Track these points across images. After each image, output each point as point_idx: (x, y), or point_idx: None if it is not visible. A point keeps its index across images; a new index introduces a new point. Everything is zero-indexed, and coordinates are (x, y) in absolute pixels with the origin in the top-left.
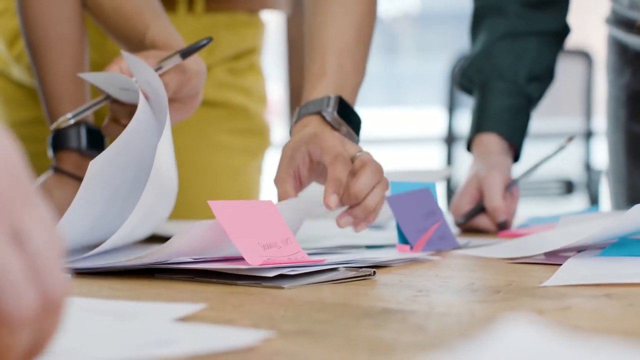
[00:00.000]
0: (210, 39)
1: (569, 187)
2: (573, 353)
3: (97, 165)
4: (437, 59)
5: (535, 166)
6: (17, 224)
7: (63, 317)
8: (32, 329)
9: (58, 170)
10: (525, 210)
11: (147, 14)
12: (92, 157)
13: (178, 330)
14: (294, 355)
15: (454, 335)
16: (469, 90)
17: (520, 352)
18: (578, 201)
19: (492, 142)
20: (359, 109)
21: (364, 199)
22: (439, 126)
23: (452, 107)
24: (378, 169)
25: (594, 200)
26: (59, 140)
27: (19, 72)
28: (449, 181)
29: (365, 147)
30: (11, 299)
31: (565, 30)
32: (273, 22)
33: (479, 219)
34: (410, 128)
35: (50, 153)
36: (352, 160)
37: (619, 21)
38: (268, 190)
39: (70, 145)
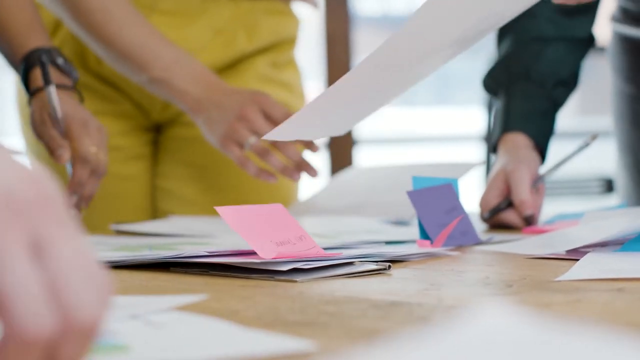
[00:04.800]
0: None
1: (609, 186)
2: (542, 338)
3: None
4: (477, 59)
5: (560, 163)
6: (40, 232)
7: (91, 344)
8: (49, 354)
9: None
10: (565, 208)
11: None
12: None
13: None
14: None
15: (457, 328)
16: (494, 91)
17: (488, 337)
18: (618, 200)
19: (519, 139)
20: (406, 109)
21: None
22: (479, 125)
23: (491, 106)
24: None
25: None
26: (32, 60)
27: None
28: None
29: (409, 146)
30: (24, 317)
31: (591, 39)
32: (312, 18)
33: (505, 214)
34: (455, 127)
35: (22, 81)
36: None
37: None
38: (306, 188)
39: (47, 59)
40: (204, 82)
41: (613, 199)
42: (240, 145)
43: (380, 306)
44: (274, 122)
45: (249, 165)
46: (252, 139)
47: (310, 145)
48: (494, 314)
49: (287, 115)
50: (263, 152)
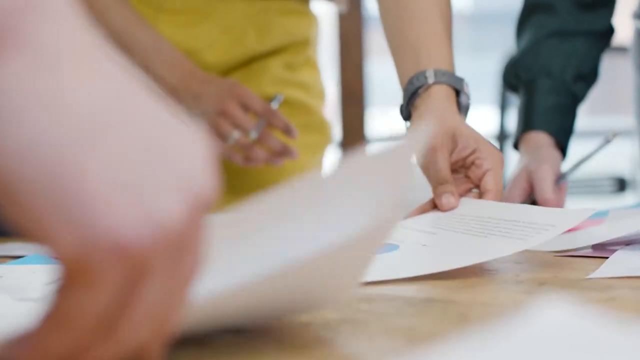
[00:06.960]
0: None
1: (621, 185)
2: (603, 333)
3: None
4: (489, 58)
5: (582, 161)
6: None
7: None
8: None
9: None
10: (578, 207)
11: None
12: None
13: None
14: (332, 341)
15: (495, 325)
16: (514, 88)
17: (551, 333)
18: (630, 199)
19: (541, 137)
20: None
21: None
22: (492, 124)
23: (504, 106)
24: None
25: None
26: None
27: None
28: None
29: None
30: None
31: (610, 31)
32: (325, 19)
33: None
34: None
35: None
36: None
37: None
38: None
39: None
40: (180, 70)
41: (626, 198)
42: (225, 139)
43: (414, 303)
44: (254, 114)
45: (235, 157)
46: (236, 134)
47: (288, 131)
48: (551, 311)
49: (266, 106)
50: (246, 146)
